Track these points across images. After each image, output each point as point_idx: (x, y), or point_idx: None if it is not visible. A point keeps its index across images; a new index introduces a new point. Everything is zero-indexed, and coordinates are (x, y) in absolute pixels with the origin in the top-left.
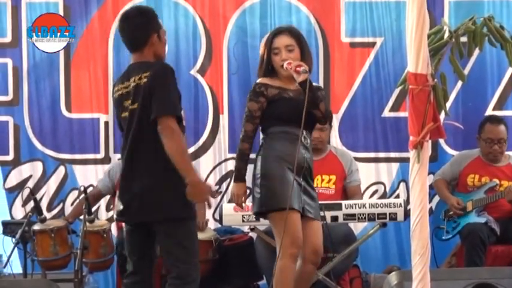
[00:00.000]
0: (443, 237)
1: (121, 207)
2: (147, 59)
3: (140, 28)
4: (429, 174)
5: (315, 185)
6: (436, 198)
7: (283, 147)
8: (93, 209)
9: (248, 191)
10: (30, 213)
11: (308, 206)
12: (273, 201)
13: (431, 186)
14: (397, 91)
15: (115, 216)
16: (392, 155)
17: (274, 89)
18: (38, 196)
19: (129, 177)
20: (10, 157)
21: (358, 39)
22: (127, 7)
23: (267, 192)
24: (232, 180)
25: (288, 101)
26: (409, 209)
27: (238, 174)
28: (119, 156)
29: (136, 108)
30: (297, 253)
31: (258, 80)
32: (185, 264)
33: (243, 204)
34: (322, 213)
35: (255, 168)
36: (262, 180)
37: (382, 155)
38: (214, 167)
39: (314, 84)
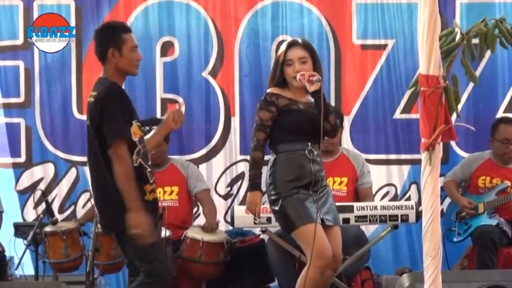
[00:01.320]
0: (454, 239)
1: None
2: (107, 74)
3: (99, 44)
4: (440, 176)
5: None
6: (448, 200)
7: (290, 171)
8: None
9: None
10: (41, 215)
11: (326, 215)
12: (291, 223)
13: (442, 188)
14: (408, 93)
15: None
16: (404, 157)
17: (285, 100)
18: (50, 198)
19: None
20: (22, 159)
21: (369, 41)
22: (139, 9)
23: (285, 217)
24: (248, 189)
25: (297, 113)
26: (421, 211)
27: (253, 183)
28: None
29: (88, 124)
30: (324, 264)
31: (269, 90)
32: (147, 263)
33: (259, 214)
34: None
35: (268, 186)
36: (278, 205)
37: (393, 157)
38: (226, 169)
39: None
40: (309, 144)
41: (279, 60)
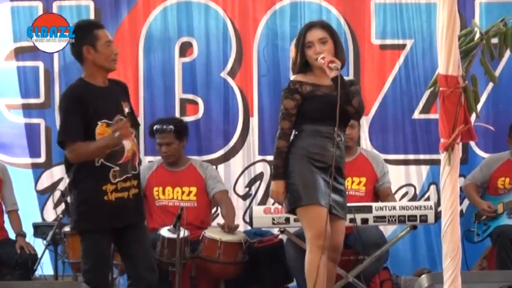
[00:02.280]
0: (474, 240)
1: None
2: (86, 74)
3: (73, 44)
4: (460, 176)
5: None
6: (467, 201)
7: (311, 146)
8: None
9: None
10: (61, 215)
11: (336, 205)
12: (298, 198)
13: (461, 189)
14: (427, 93)
15: None
16: (423, 157)
17: (308, 86)
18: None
19: None
20: (42, 159)
21: (388, 41)
22: (157, 9)
23: (293, 192)
24: (272, 178)
25: (320, 98)
26: (440, 212)
27: (277, 172)
28: (149, 158)
29: None
30: (324, 245)
31: (292, 77)
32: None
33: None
34: (352, 216)
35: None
36: (289, 179)
37: (412, 157)
38: (244, 170)
39: (347, 78)
40: (335, 128)
41: (298, 43)
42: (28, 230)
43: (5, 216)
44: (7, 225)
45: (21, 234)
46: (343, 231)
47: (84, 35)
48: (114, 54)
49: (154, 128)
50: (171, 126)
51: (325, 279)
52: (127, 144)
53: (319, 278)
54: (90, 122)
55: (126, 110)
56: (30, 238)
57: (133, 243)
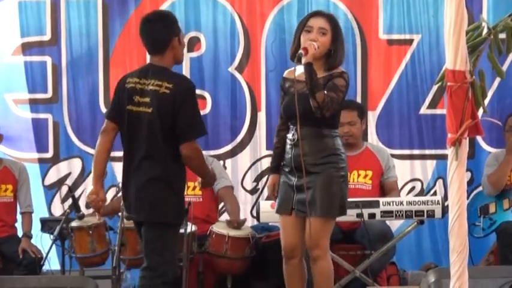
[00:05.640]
0: (480, 234)
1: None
2: (167, 63)
3: (163, 32)
4: (466, 171)
5: (351, 181)
6: (471, 196)
7: (285, 153)
8: None
9: None
10: (68, 210)
11: (298, 204)
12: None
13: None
14: (434, 88)
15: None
16: (430, 152)
17: (288, 82)
18: (77, 193)
19: (134, 174)
20: (49, 154)
21: (395, 36)
22: (165, 4)
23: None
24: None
25: (290, 97)
26: (447, 206)
27: (270, 167)
28: None
29: (151, 113)
30: (287, 254)
31: (284, 73)
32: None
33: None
34: (359, 211)
35: None
36: None
37: (418, 152)
38: (252, 164)
39: (338, 70)
40: (294, 128)
41: (299, 26)
42: (36, 224)
43: (19, 217)
44: (18, 224)
45: (27, 236)
46: (315, 227)
47: (174, 24)
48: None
49: None
50: None
51: (298, 283)
52: None
53: (287, 284)
54: None
55: None
56: (37, 233)
57: None
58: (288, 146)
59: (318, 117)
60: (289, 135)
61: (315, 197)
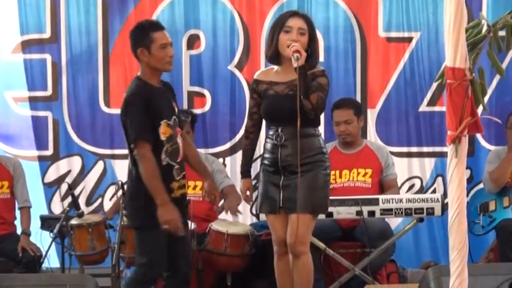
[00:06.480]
0: (479, 232)
1: None
2: (142, 73)
3: (131, 45)
4: (466, 168)
5: (350, 179)
6: (471, 194)
7: (265, 151)
8: None
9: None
10: (68, 208)
11: (286, 202)
12: (258, 207)
13: (467, 181)
14: (434, 85)
15: None
16: (429, 149)
17: (264, 85)
18: (77, 191)
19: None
20: (49, 152)
21: (394, 34)
22: (165, 2)
23: (258, 199)
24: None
25: (270, 99)
26: (447, 203)
27: (241, 170)
28: None
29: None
30: (280, 250)
31: (255, 75)
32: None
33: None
34: (359, 208)
35: None
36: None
37: (418, 149)
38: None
39: (317, 69)
40: (280, 129)
41: (276, 27)
42: (35, 222)
43: (18, 213)
44: (18, 222)
45: (25, 233)
46: (303, 224)
47: (140, 36)
48: (169, 56)
49: None
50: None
51: (290, 279)
52: (180, 142)
53: (279, 280)
54: (154, 122)
55: (176, 109)
56: (37, 230)
57: (179, 237)
58: (269, 146)
59: (302, 117)
60: (272, 136)
61: (303, 194)
